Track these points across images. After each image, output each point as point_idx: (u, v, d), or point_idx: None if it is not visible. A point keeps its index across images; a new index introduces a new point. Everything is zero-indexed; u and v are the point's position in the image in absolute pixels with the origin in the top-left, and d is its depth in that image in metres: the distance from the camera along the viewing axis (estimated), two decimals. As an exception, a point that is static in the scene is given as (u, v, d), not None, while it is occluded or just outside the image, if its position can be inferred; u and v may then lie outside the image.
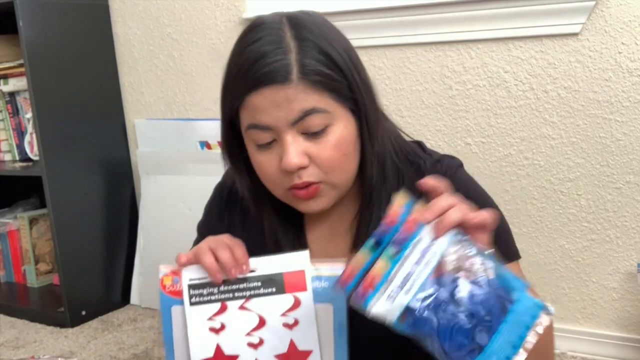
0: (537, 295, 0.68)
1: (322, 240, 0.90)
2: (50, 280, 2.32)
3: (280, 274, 0.75)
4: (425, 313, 0.62)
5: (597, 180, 1.53)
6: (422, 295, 0.62)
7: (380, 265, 0.62)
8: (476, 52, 1.61)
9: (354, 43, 0.83)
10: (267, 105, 0.74)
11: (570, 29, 1.48)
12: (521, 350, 0.60)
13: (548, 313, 0.62)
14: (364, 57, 0.89)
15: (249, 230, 0.91)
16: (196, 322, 0.75)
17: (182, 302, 0.75)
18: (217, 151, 2.10)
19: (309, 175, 0.77)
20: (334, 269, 0.74)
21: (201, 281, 0.76)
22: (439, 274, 0.62)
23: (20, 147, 2.20)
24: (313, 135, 0.76)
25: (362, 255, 0.64)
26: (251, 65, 0.74)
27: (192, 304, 0.75)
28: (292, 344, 0.74)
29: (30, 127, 2.14)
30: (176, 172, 2.04)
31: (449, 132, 1.68)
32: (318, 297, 0.74)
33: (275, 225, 0.88)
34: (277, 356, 0.75)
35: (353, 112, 0.79)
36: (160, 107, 2.18)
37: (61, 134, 2.00)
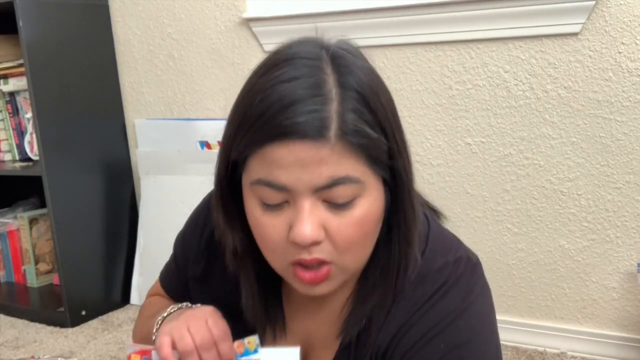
0: None
1: (301, 318, 0.79)
2: (50, 280, 2.32)
3: None
4: None
5: (597, 180, 1.53)
6: None
7: None
8: (476, 52, 1.61)
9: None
10: (290, 162, 0.60)
11: (570, 29, 1.48)
12: None
13: None
14: (364, 57, 0.88)
15: (225, 284, 0.79)
16: None
17: None
18: (217, 151, 2.10)
19: (321, 251, 0.63)
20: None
21: None
22: None
23: (20, 147, 2.20)
24: (336, 206, 0.62)
25: None
26: (281, 110, 0.59)
27: None
28: None
29: (30, 127, 2.14)
30: (176, 172, 2.04)
31: (449, 132, 1.68)
32: None
33: (254, 294, 0.75)
34: None
35: (385, 182, 0.66)
36: (160, 107, 2.18)
37: (61, 134, 2.00)
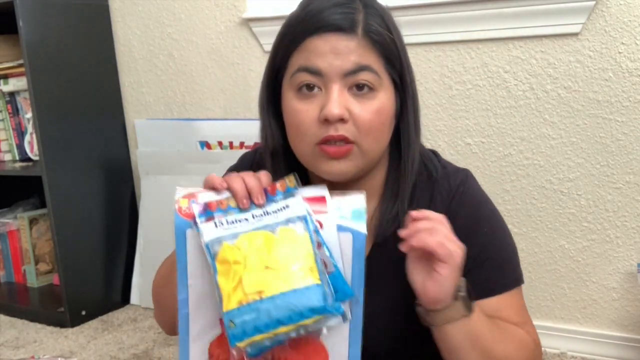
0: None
1: None
2: (50, 280, 2.32)
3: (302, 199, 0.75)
4: None
5: (597, 180, 1.53)
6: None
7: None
8: (476, 52, 1.61)
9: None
10: (326, 50, 0.76)
11: (570, 29, 1.48)
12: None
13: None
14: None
15: None
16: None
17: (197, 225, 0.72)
18: (217, 151, 2.11)
19: (346, 130, 0.77)
20: (351, 201, 0.74)
21: None
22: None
23: (20, 147, 2.21)
24: (359, 93, 0.77)
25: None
26: (321, 10, 0.77)
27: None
28: None
29: (30, 127, 2.14)
30: (176, 172, 2.04)
31: (449, 132, 1.68)
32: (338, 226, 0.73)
33: None
34: None
35: (396, 89, 0.81)
36: (160, 107, 2.18)
37: (61, 134, 2.00)
